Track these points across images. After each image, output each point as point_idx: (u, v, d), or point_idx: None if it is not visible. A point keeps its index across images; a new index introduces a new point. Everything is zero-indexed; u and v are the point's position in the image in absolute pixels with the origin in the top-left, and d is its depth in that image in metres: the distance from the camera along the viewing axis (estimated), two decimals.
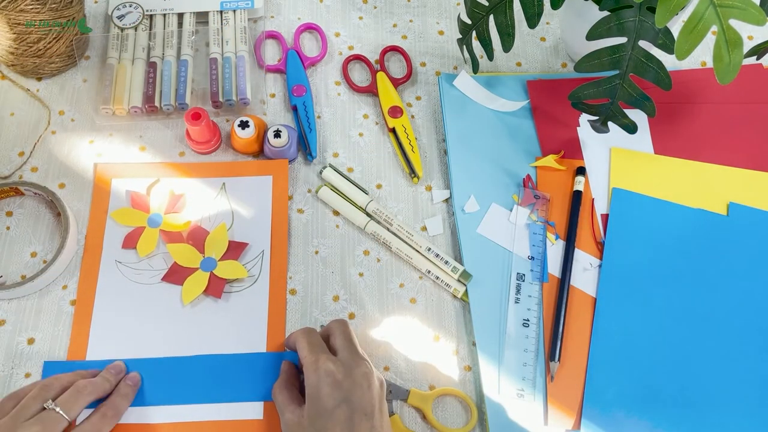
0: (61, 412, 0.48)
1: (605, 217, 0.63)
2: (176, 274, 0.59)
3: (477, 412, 0.55)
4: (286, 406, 0.49)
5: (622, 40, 0.54)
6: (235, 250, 0.60)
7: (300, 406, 0.49)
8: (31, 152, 0.64)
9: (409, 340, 0.58)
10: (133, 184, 0.63)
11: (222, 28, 0.70)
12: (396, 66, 0.72)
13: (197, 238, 0.61)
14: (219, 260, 0.60)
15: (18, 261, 0.60)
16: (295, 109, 0.67)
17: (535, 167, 0.65)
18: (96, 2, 0.73)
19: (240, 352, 0.56)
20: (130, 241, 0.60)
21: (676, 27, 0.64)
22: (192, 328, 0.57)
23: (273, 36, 0.72)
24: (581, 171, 0.64)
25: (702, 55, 0.73)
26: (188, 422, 0.54)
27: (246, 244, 0.61)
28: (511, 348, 0.57)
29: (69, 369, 0.54)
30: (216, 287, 0.58)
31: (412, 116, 0.69)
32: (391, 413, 0.55)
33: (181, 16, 0.70)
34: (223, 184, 0.64)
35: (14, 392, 0.50)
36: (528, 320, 0.58)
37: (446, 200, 0.65)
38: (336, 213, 0.64)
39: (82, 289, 0.58)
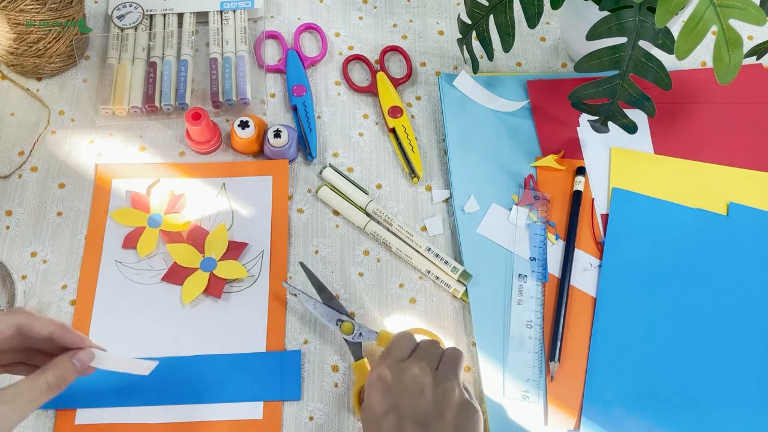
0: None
1: (605, 217, 0.63)
2: (176, 274, 0.59)
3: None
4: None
5: (622, 40, 0.54)
6: (235, 250, 0.60)
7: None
8: (31, 152, 0.64)
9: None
10: (133, 185, 0.63)
11: (222, 28, 0.70)
12: (396, 66, 0.72)
13: (197, 238, 0.61)
14: (219, 260, 0.60)
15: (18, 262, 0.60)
16: (295, 109, 0.67)
17: (535, 167, 0.65)
18: (96, 2, 0.73)
19: (240, 352, 0.56)
20: (130, 241, 0.60)
21: (676, 27, 0.64)
22: (192, 328, 0.57)
23: (273, 36, 0.72)
24: (581, 171, 0.64)
25: (702, 55, 0.73)
26: (188, 422, 0.54)
27: (246, 244, 0.61)
28: (514, 350, 0.57)
29: None
30: (216, 287, 0.58)
31: (412, 116, 0.69)
32: (360, 357, 0.56)
33: (181, 16, 0.70)
34: (223, 184, 0.64)
35: None
36: (531, 321, 0.58)
37: (446, 200, 0.65)
38: (336, 213, 0.64)
39: (82, 288, 0.58)
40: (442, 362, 0.47)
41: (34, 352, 0.46)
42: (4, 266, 0.58)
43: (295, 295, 0.57)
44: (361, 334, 0.56)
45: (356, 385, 0.55)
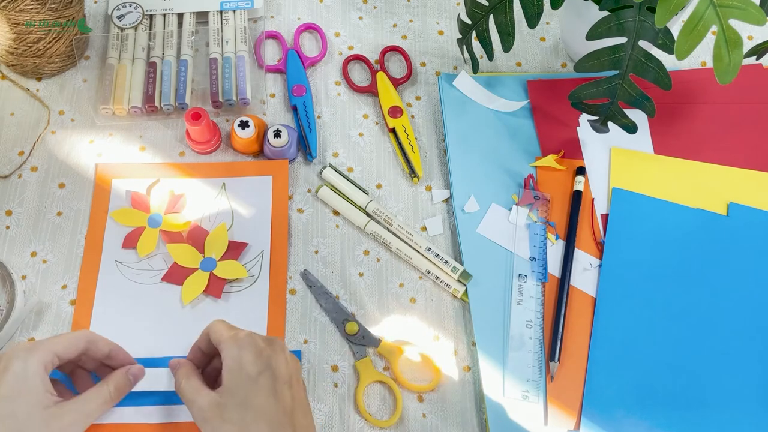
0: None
1: (605, 217, 0.63)
2: (176, 274, 0.59)
3: (440, 376, 0.56)
4: (197, 392, 0.47)
5: (622, 40, 0.54)
6: (235, 250, 0.60)
7: (207, 390, 0.47)
8: (31, 152, 0.64)
9: (409, 339, 0.58)
10: (133, 184, 0.63)
11: (222, 28, 0.70)
12: (396, 66, 0.72)
13: (197, 238, 0.61)
14: (219, 260, 0.60)
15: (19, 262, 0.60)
16: (295, 109, 0.67)
17: (535, 167, 0.65)
18: (96, 2, 0.73)
19: None
20: (130, 241, 0.60)
21: (676, 27, 0.64)
22: (192, 328, 0.57)
23: (273, 36, 0.72)
24: (581, 171, 0.64)
25: (702, 55, 0.73)
26: (187, 422, 0.53)
27: (246, 244, 0.61)
28: (514, 350, 0.57)
29: None
30: (216, 287, 0.58)
31: (412, 116, 0.69)
32: (364, 356, 0.56)
33: (181, 16, 0.70)
34: (223, 184, 0.63)
35: None
36: (531, 321, 0.58)
37: (446, 200, 0.65)
38: (336, 213, 0.64)
39: (82, 288, 0.58)
40: None
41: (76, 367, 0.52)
42: (4, 266, 0.58)
43: (311, 287, 0.58)
44: (363, 337, 0.57)
45: (360, 385, 0.55)
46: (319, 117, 0.68)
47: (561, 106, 0.65)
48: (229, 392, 0.45)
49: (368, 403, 0.56)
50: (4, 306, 0.57)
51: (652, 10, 0.52)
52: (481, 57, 0.69)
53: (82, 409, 0.46)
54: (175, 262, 0.59)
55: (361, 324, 0.58)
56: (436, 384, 0.56)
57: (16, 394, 0.43)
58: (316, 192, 0.63)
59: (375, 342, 0.57)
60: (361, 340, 0.57)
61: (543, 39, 0.74)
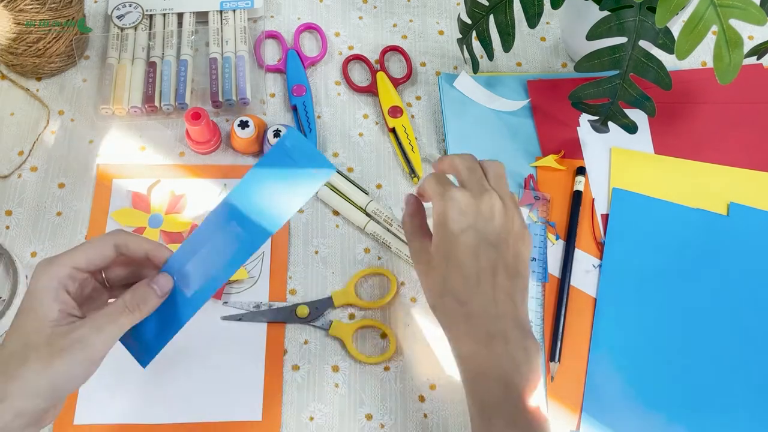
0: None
1: (605, 217, 0.63)
2: None
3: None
4: (415, 233, 0.51)
5: (622, 40, 0.54)
6: None
7: (427, 237, 0.50)
8: (31, 152, 0.64)
9: (409, 339, 0.58)
10: (134, 185, 0.63)
11: (222, 27, 0.70)
12: (396, 66, 0.72)
13: None
14: None
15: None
16: (295, 109, 0.67)
17: (535, 167, 0.65)
18: (96, 2, 0.73)
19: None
20: None
21: (676, 27, 0.64)
22: (191, 329, 0.57)
23: (273, 36, 0.72)
24: (581, 171, 0.64)
25: (702, 55, 0.73)
26: (187, 423, 0.54)
27: None
28: None
29: None
30: None
31: (412, 116, 0.69)
32: (330, 323, 0.58)
33: (180, 15, 0.70)
34: (225, 185, 0.63)
35: None
36: (531, 321, 0.58)
37: None
38: (336, 213, 0.64)
39: None
40: (504, 187, 0.51)
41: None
42: (8, 253, 0.57)
43: (247, 313, 0.58)
44: (317, 308, 0.58)
45: (346, 339, 0.57)
46: (319, 117, 0.68)
47: (561, 106, 0.65)
48: (435, 245, 0.48)
49: (361, 348, 0.57)
50: (6, 296, 0.56)
51: (653, 10, 0.52)
52: (481, 57, 0.69)
53: (92, 323, 0.41)
54: None
55: (311, 306, 0.58)
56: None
57: (27, 309, 0.41)
58: (316, 192, 0.63)
59: (326, 324, 0.58)
60: (318, 316, 0.58)
61: (543, 39, 0.74)
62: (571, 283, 0.60)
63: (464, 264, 0.47)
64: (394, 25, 0.74)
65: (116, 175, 0.63)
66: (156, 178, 0.63)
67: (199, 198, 0.63)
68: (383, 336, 0.58)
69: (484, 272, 0.47)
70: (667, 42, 0.54)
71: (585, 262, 0.61)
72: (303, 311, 0.58)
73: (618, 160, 0.66)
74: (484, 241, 0.47)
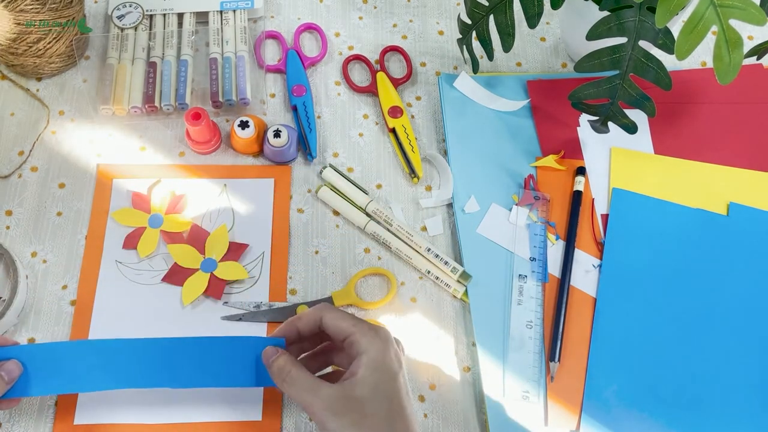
0: None
1: (605, 217, 0.63)
2: (176, 275, 0.59)
3: (396, 285, 0.59)
4: (317, 383, 0.46)
5: (622, 40, 0.54)
6: (236, 251, 0.60)
7: (328, 380, 0.46)
8: (31, 152, 0.64)
9: (409, 339, 0.58)
10: (134, 184, 0.63)
11: (222, 28, 0.70)
12: (396, 66, 0.72)
13: (198, 238, 0.61)
14: (219, 261, 0.60)
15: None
16: (295, 109, 0.67)
17: (535, 167, 0.65)
18: (96, 2, 0.73)
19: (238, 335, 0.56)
20: (131, 242, 0.60)
21: (676, 27, 0.64)
22: (191, 330, 0.57)
23: (273, 36, 0.72)
24: (581, 171, 0.64)
25: (702, 55, 0.73)
26: (187, 423, 0.54)
27: (246, 246, 0.61)
28: (514, 350, 0.57)
29: None
30: (216, 288, 0.58)
31: (412, 116, 0.69)
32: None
33: (181, 16, 0.70)
34: (225, 185, 0.64)
35: None
36: (531, 321, 0.58)
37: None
38: (336, 213, 0.64)
39: (82, 288, 0.58)
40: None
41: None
42: (8, 253, 0.58)
43: (240, 318, 0.58)
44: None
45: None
46: (319, 117, 0.68)
47: (561, 106, 0.65)
48: (371, 387, 0.45)
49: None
50: (6, 295, 0.57)
51: (653, 10, 0.52)
52: (481, 57, 0.69)
53: None
54: (175, 263, 0.59)
55: (311, 306, 0.56)
56: (393, 294, 0.59)
57: None
58: (316, 192, 0.63)
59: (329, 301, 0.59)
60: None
61: (543, 39, 0.74)
62: (571, 283, 0.60)
63: (404, 409, 0.46)
64: (394, 25, 0.74)
65: (116, 175, 0.63)
66: (156, 178, 0.63)
67: (200, 198, 0.63)
68: None
69: (413, 416, 0.47)
70: (667, 42, 0.54)
71: (585, 262, 0.61)
72: (303, 311, 0.58)
73: (618, 160, 0.66)
74: (407, 383, 0.48)
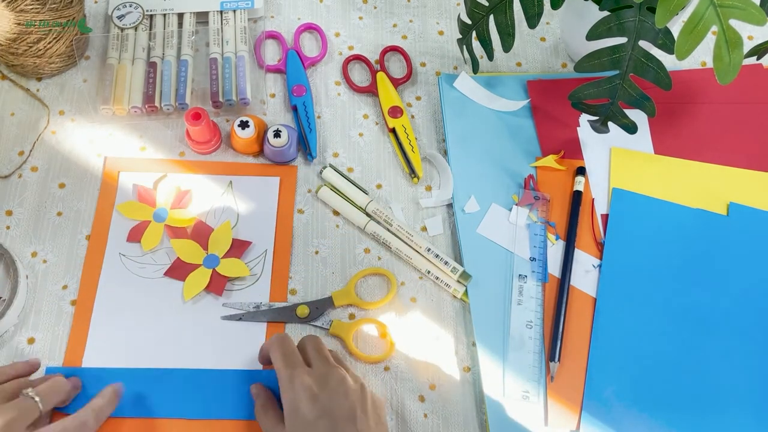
0: (37, 400, 0.48)
1: (605, 217, 0.63)
2: (179, 270, 0.59)
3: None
4: (273, 428, 0.49)
5: (622, 40, 0.54)
6: (239, 248, 0.60)
7: (283, 425, 0.48)
8: (31, 152, 0.64)
9: (409, 339, 0.58)
10: (140, 178, 0.63)
11: (222, 28, 0.70)
12: (396, 66, 0.72)
13: (201, 234, 0.61)
14: (222, 258, 0.60)
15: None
16: (295, 109, 0.67)
17: (535, 167, 0.65)
18: (96, 2, 0.73)
19: (237, 364, 0.56)
20: (135, 235, 0.60)
21: (676, 27, 0.64)
22: (190, 325, 0.57)
23: (273, 36, 0.72)
24: (581, 171, 0.64)
25: (702, 55, 0.73)
26: (187, 420, 0.54)
27: (249, 243, 0.61)
28: (514, 350, 0.57)
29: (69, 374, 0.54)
30: (218, 284, 0.59)
31: (412, 116, 0.69)
32: (331, 323, 0.58)
33: (181, 16, 0.70)
34: (230, 182, 0.64)
35: None
36: (531, 321, 0.58)
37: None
38: (336, 213, 0.64)
39: (85, 280, 0.59)
40: (329, 359, 0.52)
41: None
42: (8, 253, 0.58)
43: (240, 319, 0.58)
44: (317, 308, 0.58)
45: (346, 339, 0.57)
46: (319, 117, 0.68)
47: (561, 106, 0.65)
48: (292, 429, 0.47)
49: (361, 348, 0.58)
50: (7, 293, 0.57)
51: (652, 10, 0.52)
52: (481, 57, 0.69)
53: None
54: (178, 258, 0.60)
55: (311, 306, 0.58)
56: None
57: None
58: (316, 192, 0.63)
59: (327, 323, 0.58)
60: (318, 316, 0.58)
61: (543, 39, 0.74)
62: (571, 283, 0.60)
63: None
64: (394, 26, 0.74)
65: (123, 168, 0.64)
66: (162, 173, 0.64)
67: (205, 194, 0.63)
68: (383, 336, 0.58)
69: None
70: (667, 42, 0.54)
71: (585, 262, 0.61)
72: (303, 311, 0.58)
73: (618, 160, 0.66)
74: (341, 422, 0.46)
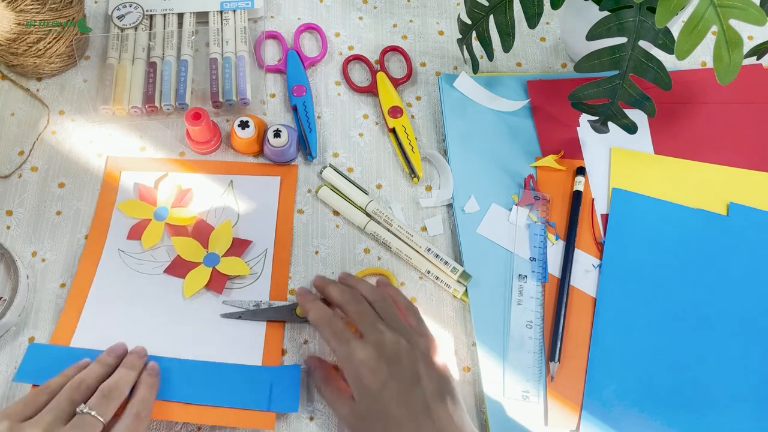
0: (96, 415, 0.47)
1: (605, 217, 0.63)
2: (179, 267, 0.59)
3: (396, 285, 0.59)
4: (337, 399, 0.51)
5: (622, 40, 0.54)
6: (239, 247, 0.60)
7: (349, 395, 0.50)
8: (31, 151, 0.64)
9: None
10: (142, 177, 0.63)
11: (222, 28, 0.70)
12: (396, 66, 0.72)
13: (202, 233, 0.61)
14: (222, 256, 0.60)
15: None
16: (295, 109, 0.67)
17: (535, 167, 0.65)
18: (96, 2, 0.73)
19: (236, 362, 0.55)
20: (135, 233, 0.61)
21: (676, 27, 0.64)
22: (190, 322, 0.57)
23: (273, 36, 0.73)
24: (581, 171, 0.64)
25: (702, 55, 0.73)
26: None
27: (250, 242, 0.61)
28: (514, 350, 0.57)
29: (59, 354, 0.54)
30: (218, 283, 0.59)
31: (412, 116, 0.69)
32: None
33: (181, 16, 0.70)
34: (231, 181, 0.64)
35: (44, 385, 0.49)
36: (531, 321, 0.58)
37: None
38: (336, 213, 0.64)
39: (81, 270, 0.59)
40: (398, 316, 0.53)
41: None
42: (9, 253, 0.58)
43: (239, 317, 0.58)
44: None
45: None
46: (319, 117, 0.68)
47: (561, 106, 0.65)
48: (363, 404, 0.49)
49: None
50: (7, 293, 0.57)
51: (652, 10, 0.52)
52: (481, 57, 0.69)
53: None
54: (178, 255, 0.60)
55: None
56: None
57: None
58: (316, 192, 0.63)
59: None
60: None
61: (543, 39, 0.74)
62: (571, 283, 0.60)
63: (398, 416, 0.48)
64: (394, 26, 0.74)
65: (125, 168, 0.64)
66: (164, 172, 0.64)
67: (206, 193, 0.63)
68: None
69: (420, 414, 0.48)
70: (667, 42, 0.54)
71: (585, 262, 0.61)
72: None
73: (618, 160, 0.66)
74: (405, 385, 0.48)
